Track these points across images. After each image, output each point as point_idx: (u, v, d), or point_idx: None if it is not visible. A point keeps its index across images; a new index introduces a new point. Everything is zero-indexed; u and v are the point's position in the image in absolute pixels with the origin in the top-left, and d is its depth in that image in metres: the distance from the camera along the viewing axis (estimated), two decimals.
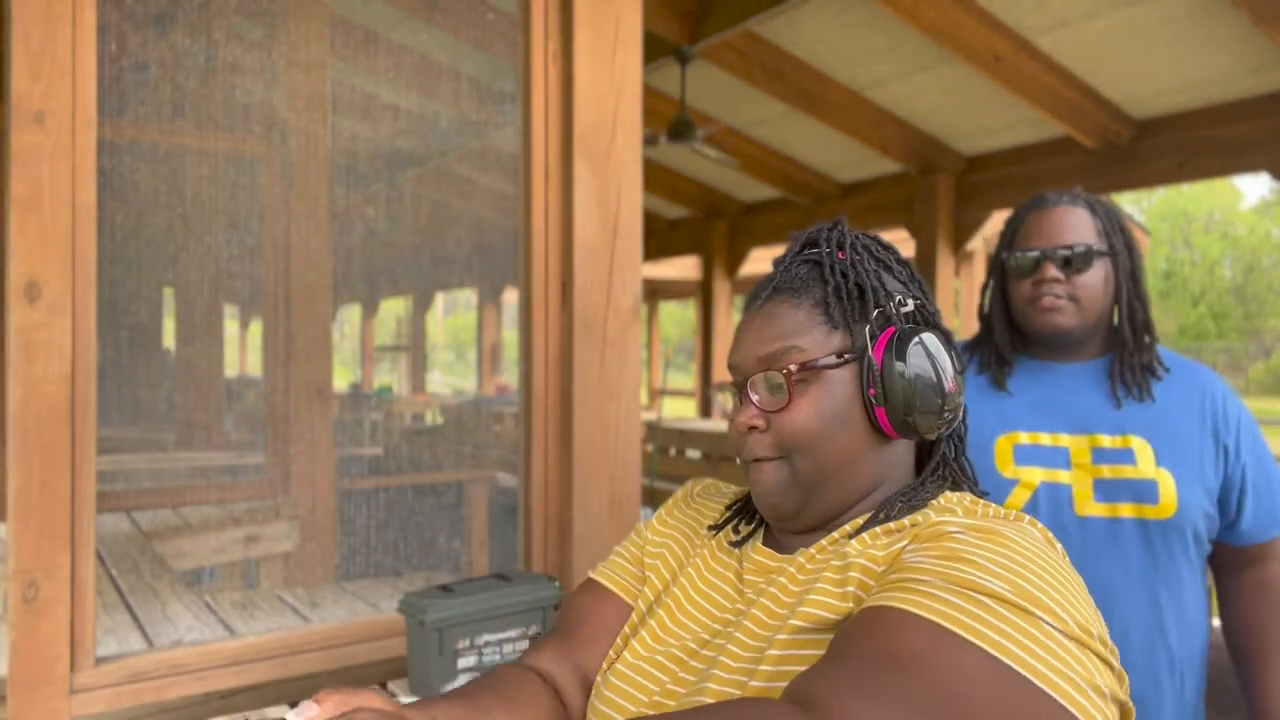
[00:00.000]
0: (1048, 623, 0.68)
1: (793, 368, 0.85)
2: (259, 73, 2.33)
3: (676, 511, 1.07)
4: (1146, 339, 1.51)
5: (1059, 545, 0.80)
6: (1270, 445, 1.54)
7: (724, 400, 0.94)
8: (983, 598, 0.68)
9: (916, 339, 0.85)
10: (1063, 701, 0.66)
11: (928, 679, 0.64)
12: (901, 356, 0.84)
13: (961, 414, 0.92)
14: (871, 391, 0.85)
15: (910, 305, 0.90)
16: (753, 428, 0.88)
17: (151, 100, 2.16)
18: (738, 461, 0.93)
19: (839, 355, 0.86)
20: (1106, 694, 0.68)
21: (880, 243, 0.93)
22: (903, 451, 0.91)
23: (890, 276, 0.91)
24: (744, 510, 1.00)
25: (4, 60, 1.53)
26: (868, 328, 0.87)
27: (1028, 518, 0.81)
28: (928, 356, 0.85)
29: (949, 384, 0.86)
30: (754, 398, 0.88)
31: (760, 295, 0.91)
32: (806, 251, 0.93)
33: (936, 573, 0.71)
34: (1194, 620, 1.49)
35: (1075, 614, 0.70)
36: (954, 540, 0.75)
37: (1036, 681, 0.65)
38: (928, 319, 0.91)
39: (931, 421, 0.86)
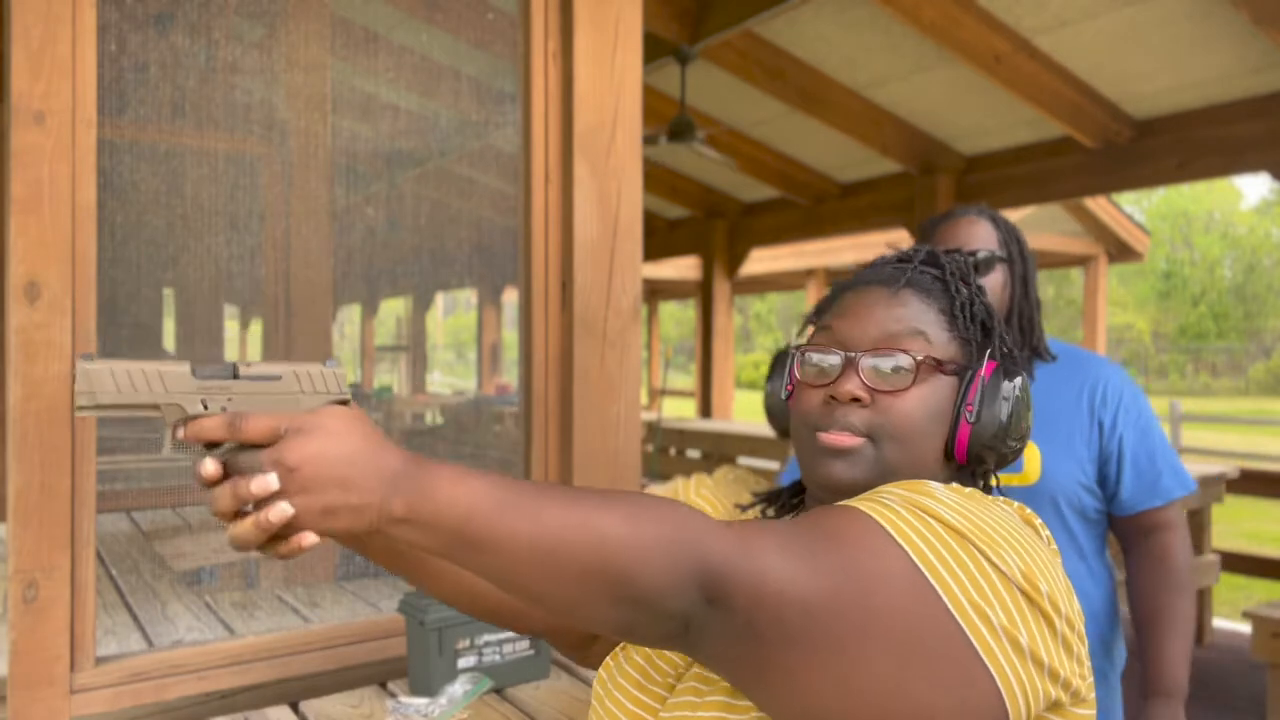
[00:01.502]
0: (985, 558, 0.70)
1: (922, 358, 0.85)
2: (259, 73, 2.33)
3: (718, 488, 1.08)
4: (1032, 335, 1.70)
5: (1044, 532, 0.81)
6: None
7: (810, 366, 0.89)
8: (929, 518, 0.72)
9: (1020, 377, 0.89)
10: (966, 630, 0.67)
11: (847, 555, 0.68)
12: (1007, 388, 0.87)
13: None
14: (969, 408, 0.86)
15: (1009, 349, 0.93)
16: (856, 399, 0.85)
17: (151, 100, 2.16)
18: (801, 431, 0.89)
19: (954, 364, 0.87)
20: (1025, 652, 0.68)
21: (983, 291, 0.96)
22: (954, 473, 0.91)
23: (995, 319, 0.93)
24: (772, 499, 1.01)
25: (4, 60, 1.53)
26: (989, 349, 0.89)
27: (1016, 504, 0.82)
28: (1021, 397, 0.88)
29: (1023, 428, 0.90)
30: (864, 370, 0.85)
31: (893, 281, 0.90)
32: (926, 267, 0.93)
33: (897, 495, 0.75)
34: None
35: (1023, 565, 0.70)
36: (927, 485, 0.77)
37: (946, 600, 0.67)
38: (1018, 365, 0.94)
39: (1002, 450, 0.88)
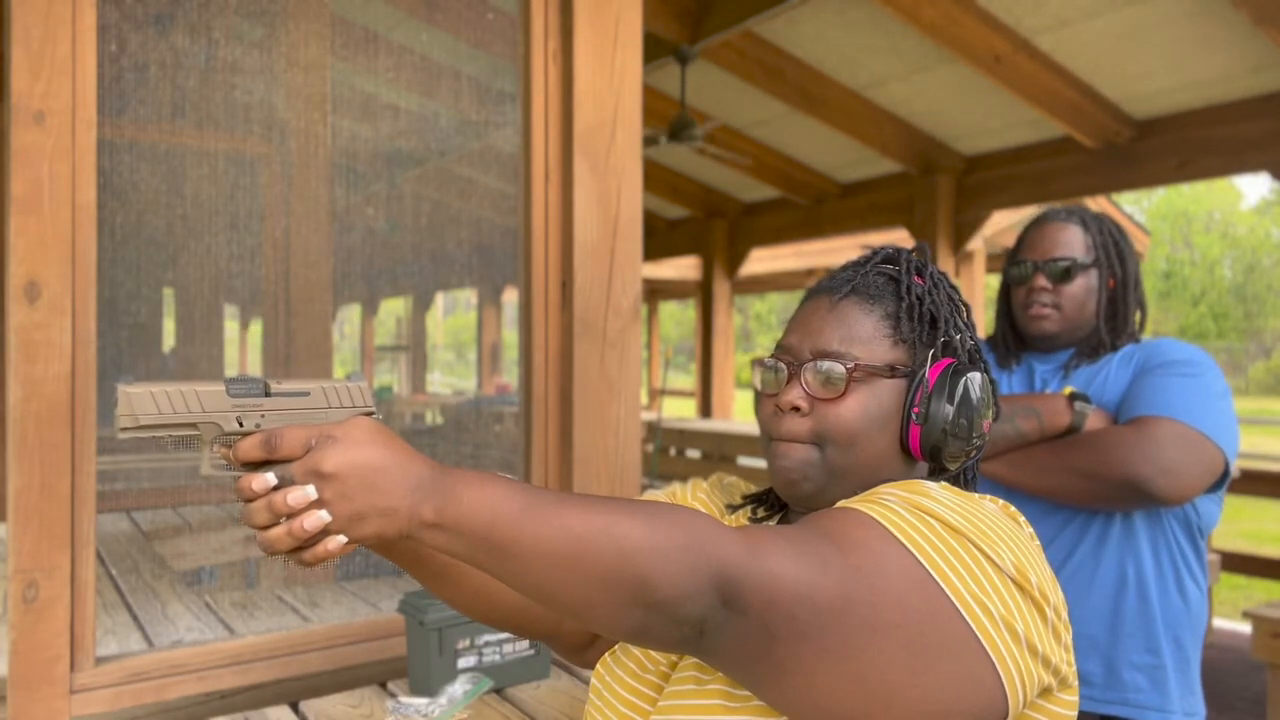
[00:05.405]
0: (981, 553, 0.73)
1: (853, 365, 0.88)
2: (259, 73, 2.33)
3: (713, 492, 1.10)
4: (1117, 339, 1.64)
5: (1028, 529, 0.84)
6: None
7: (763, 376, 0.94)
8: (928, 517, 0.75)
9: (969, 375, 0.90)
10: (970, 621, 0.70)
11: (852, 554, 0.71)
12: (954, 386, 0.89)
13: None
14: (915, 410, 0.88)
15: (971, 344, 0.95)
16: (795, 408, 0.90)
17: (151, 100, 2.16)
18: (761, 437, 0.95)
19: (894, 368, 0.89)
20: (1021, 640, 0.72)
21: (950, 281, 0.98)
22: (923, 471, 0.94)
23: (957, 314, 0.95)
24: (761, 500, 1.04)
25: (4, 60, 1.53)
26: (931, 351, 0.91)
27: (1001, 501, 0.86)
28: (974, 394, 0.90)
29: (984, 424, 0.91)
30: (805, 380, 0.90)
31: (836, 290, 0.93)
32: (883, 266, 0.95)
33: (896, 495, 0.79)
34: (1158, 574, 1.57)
35: (1014, 559, 0.75)
36: (923, 485, 0.81)
37: (949, 594, 0.71)
38: (977, 361, 0.96)
39: (958, 449, 0.90)
